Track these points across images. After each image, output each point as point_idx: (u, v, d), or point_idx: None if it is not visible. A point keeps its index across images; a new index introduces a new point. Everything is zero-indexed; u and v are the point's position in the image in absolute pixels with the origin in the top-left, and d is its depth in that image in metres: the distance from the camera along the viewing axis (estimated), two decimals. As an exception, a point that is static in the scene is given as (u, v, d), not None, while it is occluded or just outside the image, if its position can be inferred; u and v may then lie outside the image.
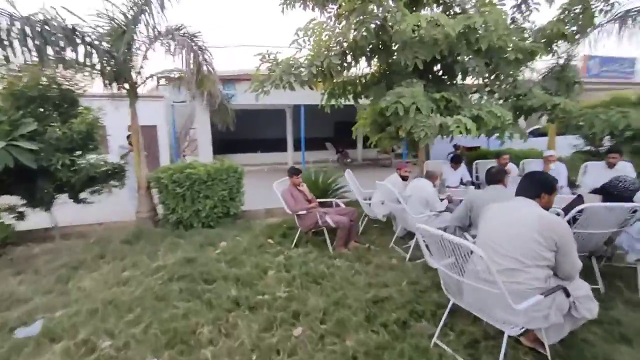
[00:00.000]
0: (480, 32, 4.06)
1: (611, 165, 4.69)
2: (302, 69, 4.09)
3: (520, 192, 2.02)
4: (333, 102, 5.78)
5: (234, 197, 5.03)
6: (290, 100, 9.36)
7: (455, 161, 5.28)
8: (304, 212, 3.78)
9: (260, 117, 13.89)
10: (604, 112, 4.49)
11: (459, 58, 4.61)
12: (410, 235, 4.04)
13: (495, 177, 2.83)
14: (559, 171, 4.76)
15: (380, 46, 4.49)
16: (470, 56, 4.50)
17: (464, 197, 3.17)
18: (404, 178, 4.43)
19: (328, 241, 3.78)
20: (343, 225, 3.67)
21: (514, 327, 1.85)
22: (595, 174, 4.86)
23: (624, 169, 4.67)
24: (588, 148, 7.21)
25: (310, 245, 3.94)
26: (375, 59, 4.91)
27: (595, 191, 2.74)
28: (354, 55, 4.65)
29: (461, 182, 5.32)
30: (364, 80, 5.50)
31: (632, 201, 2.48)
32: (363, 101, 5.79)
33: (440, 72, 5.11)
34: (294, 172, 4.03)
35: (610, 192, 2.58)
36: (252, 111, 12.65)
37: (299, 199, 3.91)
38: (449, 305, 2.19)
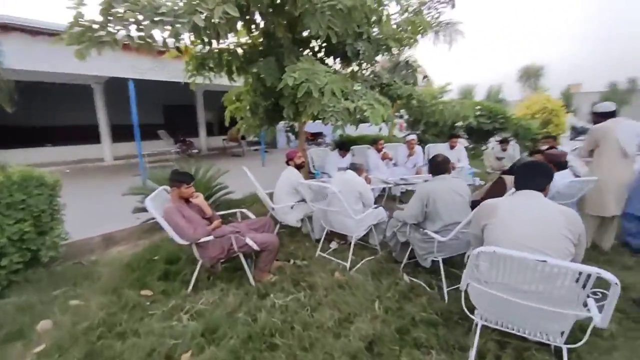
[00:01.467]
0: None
1: (452, 147, 5.82)
2: (180, 19, 2.60)
3: (527, 184, 1.83)
4: (200, 79, 4.35)
5: (44, 229, 2.91)
6: (101, 70, 6.67)
7: (344, 149, 5.13)
8: (209, 238, 2.51)
9: (53, 93, 9.58)
10: (449, 103, 5.42)
11: (348, 40, 4.33)
12: (339, 236, 3.54)
13: (443, 166, 2.69)
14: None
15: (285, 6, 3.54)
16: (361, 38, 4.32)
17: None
18: (300, 167, 3.84)
19: (249, 272, 2.70)
20: (272, 246, 2.69)
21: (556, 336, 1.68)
22: (446, 152, 5.89)
23: (461, 149, 5.89)
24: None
25: (219, 282, 2.72)
26: (273, 24, 3.91)
27: (506, 172, 3.08)
28: (248, 12, 3.50)
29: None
30: (243, 51, 4.37)
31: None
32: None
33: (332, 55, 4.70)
34: (181, 178, 2.60)
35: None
36: (36, 85, 8.42)
37: (195, 219, 2.57)
38: (478, 330, 1.82)
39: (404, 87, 5.15)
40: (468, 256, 1.89)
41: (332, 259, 3.16)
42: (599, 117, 3.15)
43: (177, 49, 3.59)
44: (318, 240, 3.57)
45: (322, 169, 5.38)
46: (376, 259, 3.15)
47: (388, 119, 4.11)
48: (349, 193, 3.07)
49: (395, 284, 2.67)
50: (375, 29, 4.57)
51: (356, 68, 5.09)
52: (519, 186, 1.87)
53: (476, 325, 1.84)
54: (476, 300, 1.86)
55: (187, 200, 2.66)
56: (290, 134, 11.61)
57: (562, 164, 3.03)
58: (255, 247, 2.58)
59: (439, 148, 6.07)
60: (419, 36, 4.96)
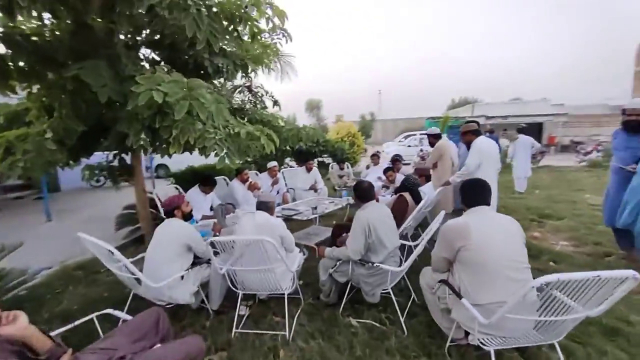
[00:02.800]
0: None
1: (309, 170, 6.01)
2: None
3: (478, 201, 1.97)
4: None
5: None
6: None
7: (209, 184, 4.16)
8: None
9: None
10: (304, 128, 5.57)
11: (205, 55, 3.58)
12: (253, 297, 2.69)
13: (370, 192, 2.57)
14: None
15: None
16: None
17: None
18: (187, 218, 2.80)
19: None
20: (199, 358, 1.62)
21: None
22: (300, 176, 6.01)
23: (316, 172, 6.17)
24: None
25: None
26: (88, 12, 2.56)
27: (400, 190, 3.34)
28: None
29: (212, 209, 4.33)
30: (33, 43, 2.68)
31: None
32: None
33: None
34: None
35: (410, 187, 3.28)
36: None
37: None
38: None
39: (263, 112, 4.84)
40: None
41: (260, 332, 2.35)
42: (435, 138, 4.05)
43: None
44: (219, 312, 2.62)
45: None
46: (306, 311, 2.62)
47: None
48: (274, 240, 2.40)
49: (353, 336, 2.27)
50: (232, 44, 4.04)
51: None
52: (471, 203, 1.99)
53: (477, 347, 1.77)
54: (470, 325, 1.81)
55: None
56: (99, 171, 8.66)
57: (428, 177, 3.66)
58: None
59: (298, 172, 6.14)
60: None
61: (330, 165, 7.68)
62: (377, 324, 2.40)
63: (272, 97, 5.58)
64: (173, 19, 3.04)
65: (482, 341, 1.77)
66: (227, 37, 3.24)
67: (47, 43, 2.68)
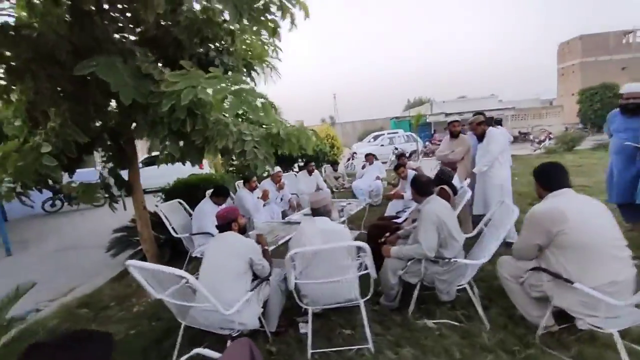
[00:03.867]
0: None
1: (310, 173, 5.83)
2: None
3: (562, 183, 1.97)
4: None
5: None
6: None
7: (222, 194, 3.78)
8: None
9: None
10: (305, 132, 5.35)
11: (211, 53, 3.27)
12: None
13: (430, 187, 2.48)
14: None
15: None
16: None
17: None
18: (243, 231, 2.48)
19: None
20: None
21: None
22: (302, 181, 5.80)
23: (318, 174, 6.00)
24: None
25: None
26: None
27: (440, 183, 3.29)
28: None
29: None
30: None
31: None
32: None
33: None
34: None
35: (446, 179, 3.24)
36: None
37: None
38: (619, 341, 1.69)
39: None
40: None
41: (338, 348, 2.13)
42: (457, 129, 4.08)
43: None
44: (277, 333, 2.35)
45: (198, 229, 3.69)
46: (373, 319, 2.44)
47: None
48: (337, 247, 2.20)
49: (441, 339, 2.14)
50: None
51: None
52: (554, 186, 1.98)
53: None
54: (579, 309, 1.78)
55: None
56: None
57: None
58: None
59: (299, 176, 5.91)
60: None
61: (323, 168, 7.54)
62: (456, 323, 2.31)
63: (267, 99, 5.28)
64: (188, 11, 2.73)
65: (595, 325, 1.74)
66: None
67: (41, 36, 2.20)
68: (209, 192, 4.73)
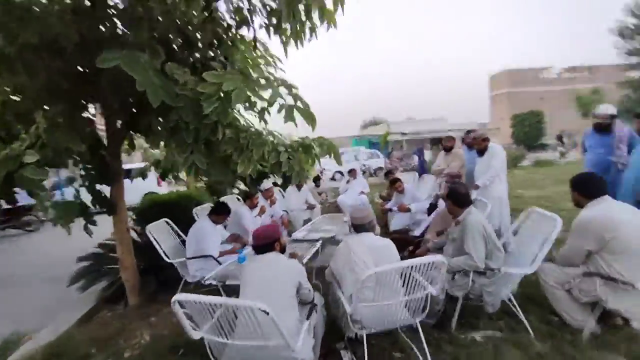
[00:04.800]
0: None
1: (299, 188, 5.62)
2: None
3: (602, 191, 2.09)
4: None
5: None
6: None
7: (223, 212, 3.40)
8: None
9: None
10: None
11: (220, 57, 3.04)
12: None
13: (469, 197, 2.48)
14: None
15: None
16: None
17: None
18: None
19: None
20: None
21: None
22: (292, 196, 5.56)
23: (306, 190, 5.80)
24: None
25: None
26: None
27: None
28: None
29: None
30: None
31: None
32: None
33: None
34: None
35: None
36: None
37: None
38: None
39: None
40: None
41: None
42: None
43: None
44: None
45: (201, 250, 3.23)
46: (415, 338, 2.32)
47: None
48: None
49: (497, 354, 2.08)
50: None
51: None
52: (596, 194, 2.09)
53: None
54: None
55: None
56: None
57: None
58: None
59: (289, 192, 5.66)
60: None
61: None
62: (500, 334, 2.27)
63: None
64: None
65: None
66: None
67: (46, 21, 1.78)
68: (197, 209, 4.31)
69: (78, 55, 1.88)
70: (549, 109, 28.11)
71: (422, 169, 8.72)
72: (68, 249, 3.76)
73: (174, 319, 2.95)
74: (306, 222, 5.28)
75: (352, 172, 6.74)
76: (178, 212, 4.22)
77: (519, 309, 2.30)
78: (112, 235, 3.97)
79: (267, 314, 1.46)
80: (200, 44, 2.79)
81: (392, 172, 6.06)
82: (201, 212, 4.35)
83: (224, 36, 2.90)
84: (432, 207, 3.82)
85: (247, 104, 2.24)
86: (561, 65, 38.92)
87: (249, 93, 1.82)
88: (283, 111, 1.92)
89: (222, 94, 1.89)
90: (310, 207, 5.39)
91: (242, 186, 5.00)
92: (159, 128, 2.15)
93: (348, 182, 6.74)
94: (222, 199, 4.37)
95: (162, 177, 4.49)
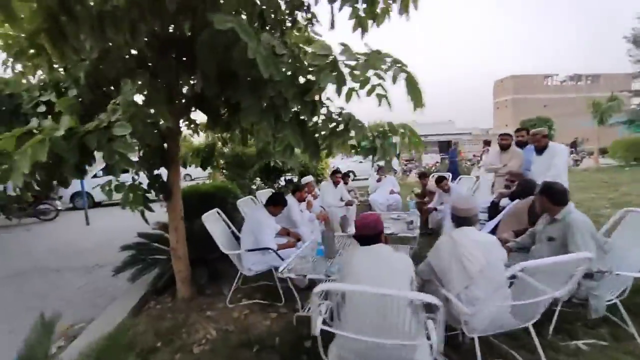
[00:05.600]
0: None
1: (336, 184, 5.46)
2: None
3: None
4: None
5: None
6: None
7: (280, 203, 3.23)
8: None
9: None
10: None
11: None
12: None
13: (567, 195, 2.33)
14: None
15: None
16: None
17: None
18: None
19: None
20: None
21: None
22: (329, 192, 5.40)
23: (342, 186, 5.66)
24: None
25: None
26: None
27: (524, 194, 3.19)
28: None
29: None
30: None
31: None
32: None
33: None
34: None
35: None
36: None
37: None
38: None
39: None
40: None
41: None
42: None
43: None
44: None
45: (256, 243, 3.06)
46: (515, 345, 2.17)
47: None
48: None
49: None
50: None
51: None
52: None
53: None
54: None
55: None
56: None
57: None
58: None
59: (327, 187, 5.48)
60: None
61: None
62: (604, 342, 2.13)
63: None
64: None
65: None
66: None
67: None
68: (240, 202, 4.15)
69: (179, 18, 1.70)
70: (552, 116, 28.31)
71: (455, 171, 8.58)
72: (90, 238, 3.56)
73: (234, 314, 2.78)
74: (342, 218, 5.14)
75: (380, 171, 6.60)
76: (216, 204, 4.04)
77: (626, 315, 2.16)
78: (154, 225, 3.80)
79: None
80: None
81: (426, 174, 5.93)
82: (243, 205, 4.19)
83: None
84: (493, 206, 3.68)
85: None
86: (566, 72, 39.16)
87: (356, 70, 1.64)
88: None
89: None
90: (349, 204, 5.23)
91: (309, 178, 4.86)
92: (251, 105, 1.97)
93: (379, 180, 6.59)
94: (238, 202, 4.17)
95: (203, 166, 4.33)
